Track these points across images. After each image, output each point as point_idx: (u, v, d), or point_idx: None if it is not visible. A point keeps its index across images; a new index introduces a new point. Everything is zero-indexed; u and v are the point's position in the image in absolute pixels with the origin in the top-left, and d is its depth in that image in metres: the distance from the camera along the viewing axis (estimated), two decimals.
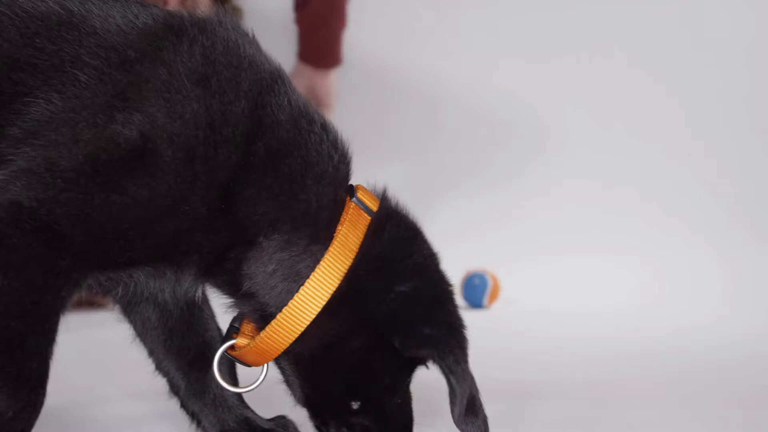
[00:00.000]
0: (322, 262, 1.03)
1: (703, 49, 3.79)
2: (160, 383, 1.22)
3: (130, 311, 1.20)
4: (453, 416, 1.04)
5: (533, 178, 3.84)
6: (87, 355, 2.16)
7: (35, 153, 0.95)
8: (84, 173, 0.95)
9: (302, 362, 1.07)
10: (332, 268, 1.03)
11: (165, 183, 0.97)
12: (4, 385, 0.92)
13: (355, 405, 1.07)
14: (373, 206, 1.09)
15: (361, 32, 3.69)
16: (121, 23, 1.02)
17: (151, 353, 1.22)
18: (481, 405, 1.06)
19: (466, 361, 1.04)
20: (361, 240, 1.05)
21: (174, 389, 1.21)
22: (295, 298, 1.02)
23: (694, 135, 3.77)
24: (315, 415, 1.11)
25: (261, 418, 1.19)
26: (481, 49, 3.98)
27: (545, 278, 3.43)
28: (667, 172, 3.76)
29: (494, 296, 3.27)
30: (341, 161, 1.09)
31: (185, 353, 1.20)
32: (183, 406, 1.21)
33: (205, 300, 1.21)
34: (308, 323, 1.02)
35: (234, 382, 1.19)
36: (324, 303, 1.02)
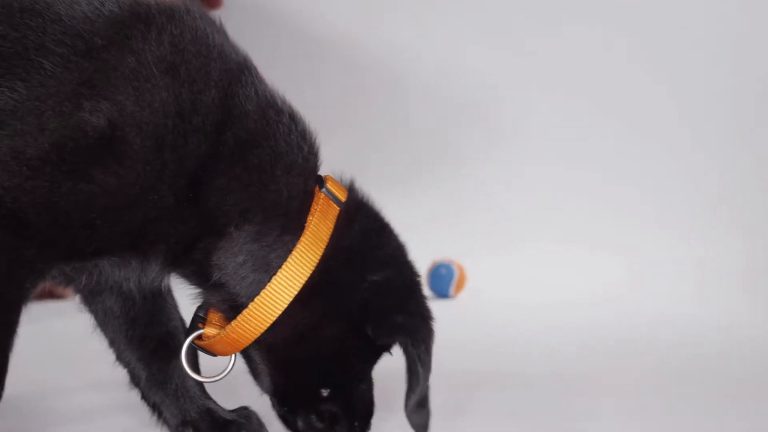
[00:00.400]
0: (294, 253, 1.04)
1: (679, 30, 3.77)
2: (121, 374, 1.20)
3: (91, 301, 1.19)
4: (407, 404, 1.06)
5: (500, 165, 3.85)
6: (47, 346, 2.13)
7: (0, 142, 0.94)
8: (50, 161, 0.93)
9: (274, 351, 1.08)
10: (304, 259, 1.04)
11: (133, 171, 0.96)
12: None
13: (324, 392, 1.09)
14: (342, 197, 1.10)
15: (329, 18, 3.67)
16: (86, 10, 1.00)
17: (112, 343, 1.20)
18: (428, 398, 1.09)
19: (431, 353, 1.06)
20: (331, 230, 1.06)
21: (135, 380, 1.19)
22: (267, 287, 1.03)
23: (669, 122, 3.77)
24: (282, 404, 1.12)
25: (223, 410, 1.18)
26: (448, 38, 3.98)
27: (512, 268, 3.44)
28: (639, 160, 3.76)
29: (460, 286, 3.28)
30: (310, 152, 1.09)
31: (147, 343, 1.18)
32: (144, 397, 1.19)
33: (168, 290, 1.20)
34: (280, 313, 1.03)
35: (197, 372, 1.17)
36: (296, 293, 1.03)
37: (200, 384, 1.18)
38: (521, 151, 3.86)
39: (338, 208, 1.09)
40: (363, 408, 1.13)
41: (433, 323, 1.09)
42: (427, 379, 1.05)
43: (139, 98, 0.97)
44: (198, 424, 1.15)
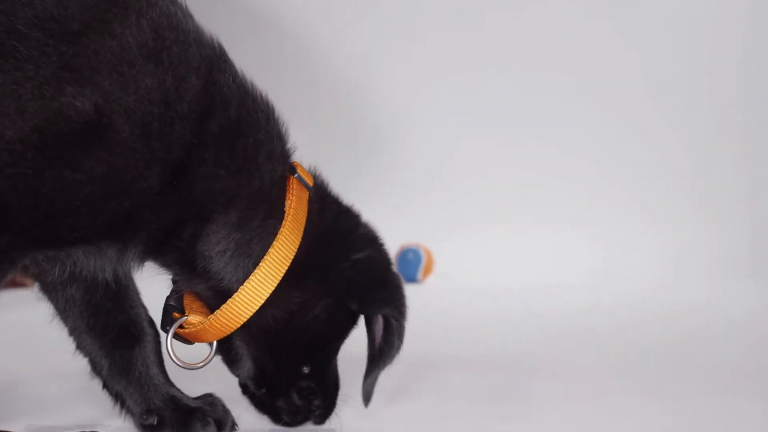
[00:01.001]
0: (279, 237, 1.07)
1: (658, 10, 3.77)
2: (81, 364, 1.18)
3: (51, 289, 1.16)
4: (374, 373, 1.13)
5: (471, 149, 3.82)
6: (5, 336, 2.08)
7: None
8: (32, 146, 0.92)
9: (261, 334, 1.11)
10: (288, 242, 1.08)
11: (121, 159, 0.96)
12: None
13: (306, 370, 1.14)
14: (310, 182, 1.14)
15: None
16: None
17: (73, 331, 1.17)
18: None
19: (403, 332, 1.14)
20: (305, 214, 1.11)
21: (96, 369, 1.17)
22: (256, 271, 1.06)
23: (647, 105, 3.77)
24: (260, 387, 1.15)
25: (188, 397, 1.16)
26: (415, 17, 3.95)
27: (481, 252, 3.45)
28: (615, 141, 3.76)
29: (428, 271, 3.28)
30: (284, 139, 1.12)
31: (109, 330, 1.16)
32: (106, 386, 1.17)
33: (131, 277, 1.18)
34: (269, 294, 1.07)
35: (161, 364, 1.16)
36: (283, 274, 1.07)
37: (164, 372, 1.16)
38: (494, 135, 3.84)
39: (308, 193, 1.12)
40: (333, 382, 1.18)
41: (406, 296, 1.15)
42: (395, 351, 1.12)
43: (125, 84, 0.96)
44: (162, 412, 1.13)
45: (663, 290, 2.95)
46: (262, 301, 1.07)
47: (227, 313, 1.07)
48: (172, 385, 1.16)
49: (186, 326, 1.11)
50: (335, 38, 3.96)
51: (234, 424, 1.15)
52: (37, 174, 0.93)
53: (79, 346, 1.17)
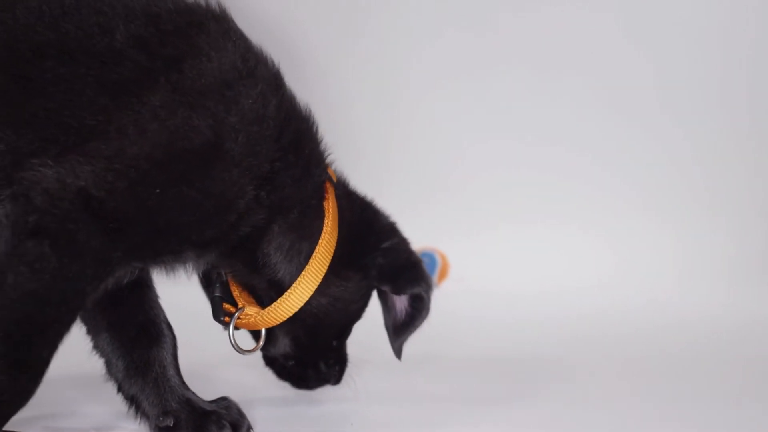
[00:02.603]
0: (324, 234, 1.18)
1: (668, 14, 3.73)
2: (96, 367, 1.18)
3: None
4: (403, 338, 1.30)
5: (486, 153, 3.81)
6: None
7: (103, 144, 0.96)
8: (157, 163, 0.97)
9: (307, 317, 1.21)
10: (332, 238, 1.19)
11: (231, 176, 1.02)
12: (10, 370, 0.92)
13: (335, 343, 1.31)
14: (334, 179, 1.24)
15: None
16: (147, 23, 1.04)
17: (91, 330, 1.18)
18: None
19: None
20: (336, 209, 1.21)
21: (111, 370, 1.17)
22: (308, 266, 1.17)
23: (657, 105, 3.71)
24: (291, 360, 1.28)
25: (203, 400, 1.16)
26: (423, 21, 3.94)
27: (497, 256, 3.42)
28: (625, 146, 3.70)
29: (444, 275, 3.27)
30: (322, 145, 1.22)
31: (129, 329, 1.17)
32: (120, 389, 1.17)
33: (151, 278, 1.19)
34: (318, 284, 1.18)
35: (177, 367, 1.17)
36: (328, 266, 1.18)
37: (179, 375, 1.17)
38: (507, 138, 3.81)
39: (333, 188, 1.23)
40: (345, 349, 1.34)
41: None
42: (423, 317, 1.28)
43: (227, 105, 1.02)
44: (178, 414, 1.13)
45: (676, 295, 2.92)
46: (312, 293, 1.17)
47: (284, 305, 1.17)
48: (187, 388, 1.17)
49: (242, 317, 1.19)
50: (346, 39, 3.96)
51: (249, 428, 1.16)
52: (163, 192, 0.97)
53: (96, 346, 1.18)
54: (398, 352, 1.32)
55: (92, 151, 0.96)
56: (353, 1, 3.95)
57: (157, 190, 0.97)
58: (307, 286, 1.17)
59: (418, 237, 3.32)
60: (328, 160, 1.24)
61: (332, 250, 1.19)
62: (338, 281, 1.22)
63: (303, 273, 1.17)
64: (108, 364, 1.17)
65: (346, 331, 1.32)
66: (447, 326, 2.23)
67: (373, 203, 1.32)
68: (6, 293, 0.91)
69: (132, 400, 1.16)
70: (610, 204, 3.62)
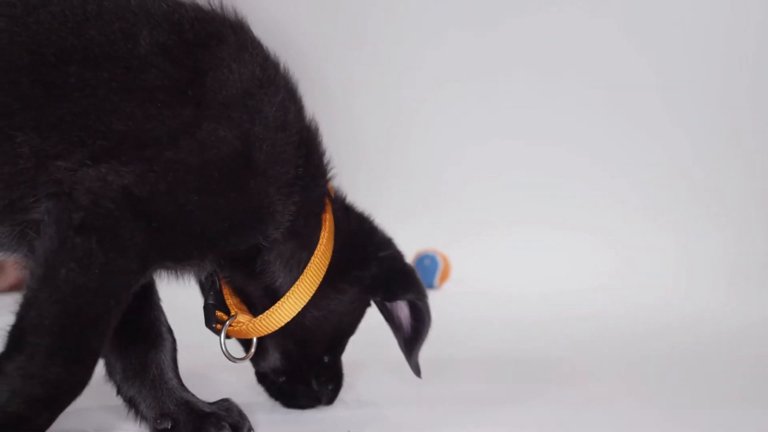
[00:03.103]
0: (320, 245, 1.18)
1: (670, 18, 3.74)
2: (97, 368, 1.18)
3: None
4: (415, 352, 1.26)
5: (487, 157, 3.82)
6: None
7: (140, 149, 0.99)
8: (192, 171, 0.99)
9: (298, 329, 1.20)
10: (327, 249, 1.19)
11: (259, 185, 1.04)
12: (67, 362, 0.94)
13: (326, 359, 1.27)
14: (332, 192, 1.24)
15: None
16: (167, 39, 1.04)
17: None
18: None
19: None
20: (333, 222, 1.21)
21: (110, 371, 1.17)
22: (303, 276, 1.16)
23: (658, 107, 3.74)
24: (282, 375, 1.26)
25: (203, 402, 1.16)
26: (428, 23, 3.94)
27: (497, 258, 3.43)
28: (628, 149, 3.73)
29: (445, 276, 3.27)
30: (325, 155, 1.23)
31: (129, 331, 1.16)
32: (119, 391, 1.17)
33: (154, 280, 1.19)
34: (312, 295, 1.17)
35: (176, 370, 1.17)
36: (323, 276, 1.18)
37: (178, 377, 1.16)
38: (509, 140, 3.83)
39: (331, 203, 1.22)
40: (340, 368, 1.30)
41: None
42: (426, 330, 1.25)
43: (251, 115, 1.04)
44: (176, 416, 1.13)
45: (678, 296, 2.93)
46: (305, 303, 1.17)
47: (277, 314, 1.17)
48: (186, 390, 1.16)
49: (234, 324, 1.18)
50: (348, 43, 3.97)
51: (250, 429, 1.15)
52: (200, 198, 0.99)
53: None
54: (416, 370, 1.29)
55: (131, 154, 0.99)
56: (355, 5, 3.96)
57: (195, 197, 0.99)
58: (300, 296, 1.17)
59: (419, 239, 3.36)
60: (330, 173, 1.24)
61: (327, 262, 1.19)
62: (333, 293, 1.22)
63: (297, 282, 1.17)
64: (108, 365, 1.17)
65: (338, 346, 1.29)
66: (448, 328, 2.23)
67: (370, 218, 1.31)
68: (59, 288, 0.94)
69: (130, 402, 1.16)
70: (612, 206, 3.63)
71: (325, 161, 1.22)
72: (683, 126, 3.72)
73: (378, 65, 3.96)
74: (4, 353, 0.94)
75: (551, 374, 1.66)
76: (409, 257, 3.15)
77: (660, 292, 3.02)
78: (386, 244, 1.28)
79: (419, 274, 1.31)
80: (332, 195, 1.24)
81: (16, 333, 0.94)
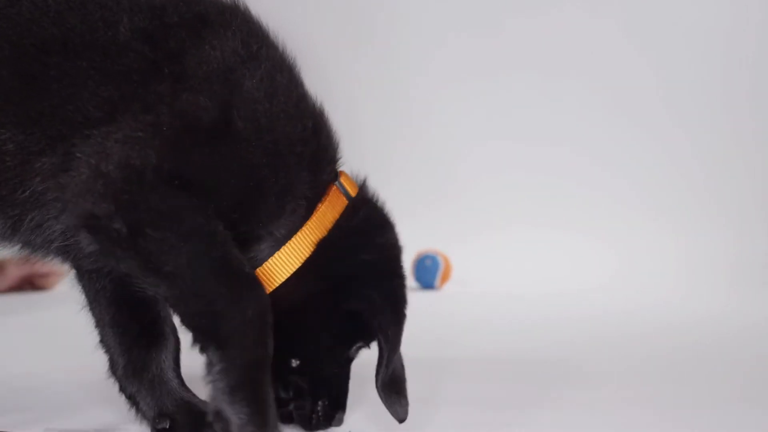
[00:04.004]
0: (298, 233, 1.10)
1: (671, 18, 3.73)
2: (99, 367, 1.18)
3: (87, 278, 1.18)
4: (376, 382, 1.12)
5: (488, 157, 3.81)
6: (27, 337, 2.10)
7: (127, 122, 0.98)
8: (180, 132, 0.98)
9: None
10: (306, 238, 1.11)
11: (242, 150, 1.02)
12: (237, 308, 0.96)
13: (294, 363, 1.14)
14: (352, 192, 1.17)
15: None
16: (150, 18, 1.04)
17: (98, 323, 1.18)
18: (405, 388, 1.15)
19: (398, 334, 1.12)
20: (334, 219, 1.13)
21: (113, 367, 1.17)
22: (269, 260, 1.09)
23: (659, 108, 3.74)
24: None
25: (204, 402, 1.15)
26: (429, 25, 3.94)
27: (498, 258, 3.43)
28: (629, 149, 3.72)
29: (446, 277, 3.27)
30: (336, 148, 1.18)
31: (131, 327, 1.16)
32: (121, 388, 1.17)
33: None
34: (280, 283, 1.09)
35: (177, 369, 1.16)
36: (296, 267, 1.10)
37: (179, 377, 1.16)
38: (509, 141, 3.82)
39: (346, 201, 1.15)
40: (332, 391, 1.16)
41: (405, 310, 1.14)
42: (391, 357, 1.11)
43: (232, 88, 1.03)
44: (174, 416, 1.13)
45: (679, 297, 2.92)
46: (271, 288, 1.09)
47: None
48: (187, 390, 1.16)
49: None
50: (352, 44, 3.97)
51: None
52: (197, 152, 0.99)
53: (102, 340, 1.18)
54: (393, 412, 1.13)
55: (111, 132, 0.98)
56: (359, 7, 3.96)
57: (191, 152, 0.99)
58: (266, 281, 1.09)
59: (420, 239, 3.36)
60: (349, 170, 1.20)
61: (307, 251, 1.11)
62: (300, 284, 1.12)
63: (262, 266, 1.10)
64: (111, 361, 1.17)
65: (309, 353, 1.15)
66: (449, 328, 2.24)
67: (389, 226, 1.20)
68: (185, 261, 0.95)
69: (131, 400, 1.16)
70: (614, 207, 3.63)
71: (333, 150, 1.17)
72: (684, 126, 3.72)
73: (380, 66, 3.96)
74: (207, 351, 0.95)
75: (552, 375, 1.66)
76: (410, 258, 3.18)
77: (661, 292, 3.02)
78: (382, 250, 1.17)
79: (402, 290, 1.15)
80: (346, 187, 1.16)
81: (196, 329, 0.96)
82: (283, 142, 1.06)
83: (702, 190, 3.62)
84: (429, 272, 3.23)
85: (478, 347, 2.01)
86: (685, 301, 2.84)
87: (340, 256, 1.13)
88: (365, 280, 1.13)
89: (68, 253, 1.06)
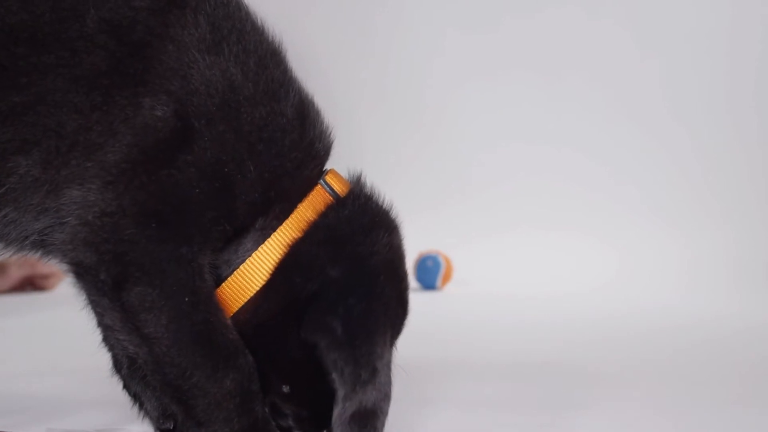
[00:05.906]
0: (270, 239, 1.00)
1: (672, 17, 3.72)
2: (100, 366, 1.18)
3: None
4: (333, 416, 0.96)
5: (489, 157, 3.81)
6: (27, 338, 2.10)
7: (88, 163, 0.92)
8: (139, 162, 0.92)
9: (245, 335, 1.00)
10: (279, 242, 1.00)
11: (205, 152, 0.94)
12: (220, 370, 0.93)
13: (285, 389, 1.02)
14: (340, 190, 1.06)
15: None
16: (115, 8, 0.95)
17: (100, 323, 1.15)
18: (375, 427, 0.96)
19: (366, 368, 0.95)
20: (314, 219, 1.02)
21: (117, 366, 1.16)
22: (241, 267, 1.00)
23: (662, 109, 3.73)
24: None
25: None
26: (426, 25, 3.94)
27: (500, 259, 3.43)
28: (629, 150, 3.72)
29: (447, 278, 3.27)
30: (316, 143, 1.06)
31: None
32: (125, 386, 1.16)
33: None
34: (254, 292, 0.99)
35: None
36: (269, 274, 0.99)
37: None
38: (511, 142, 3.83)
39: (332, 200, 1.04)
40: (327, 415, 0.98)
41: (374, 347, 0.97)
42: (346, 394, 0.94)
43: (188, 84, 0.94)
44: (177, 417, 1.12)
45: (681, 299, 2.92)
46: (245, 299, 0.99)
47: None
48: None
49: None
50: (353, 45, 3.97)
51: None
52: (154, 180, 0.92)
53: (105, 339, 1.16)
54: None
55: (84, 166, 0.93)
56: (361, 7, 3.96)
57: (153, 178, 0.92)
58: (238, 287, 1.00)
59: (422, 240, 3.36)
60: (326, 159, 1.09)
61: (276, 257, 0.99)
62: (267, 297, 1.00)
63: (234, 273, 0.99)
64: (114, 360, 1.16)
65: (295, 375, 1.01)
66: (450, 329, 2.24)
67: (380, 226, 1.05)
68: (165, 322, 0.92)
69: (135, 398, 1.16)
70: (615, 208, 3.63)
71: (326, 145, 1.07)
72: (686, 128, 3.72)
73: (382, 66, 3.97)
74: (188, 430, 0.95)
75: (553, 375, 1.66)
76: (412, 258, 3.17)
77: (663, 294, 3.01)
78: (354, 260, 1.00)
79: (381, 312, 1.00)
80: (333, 184, 1.06)
81: (178, 401, 0.95)
82: (247, 128, 0.96)
83: (704, 192, 3.62)
84: (430, 273, 3.23)
85: (480, 348, 2.01)
86: (688, 303, 2.83)
87: (303, 271, 0.99)
88: (327, 300, 0.97)
89: (44, 247, 1.02)
